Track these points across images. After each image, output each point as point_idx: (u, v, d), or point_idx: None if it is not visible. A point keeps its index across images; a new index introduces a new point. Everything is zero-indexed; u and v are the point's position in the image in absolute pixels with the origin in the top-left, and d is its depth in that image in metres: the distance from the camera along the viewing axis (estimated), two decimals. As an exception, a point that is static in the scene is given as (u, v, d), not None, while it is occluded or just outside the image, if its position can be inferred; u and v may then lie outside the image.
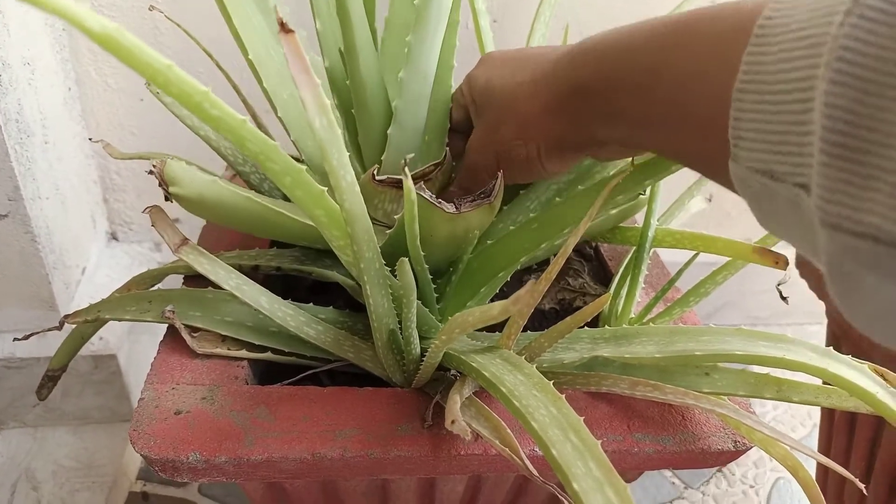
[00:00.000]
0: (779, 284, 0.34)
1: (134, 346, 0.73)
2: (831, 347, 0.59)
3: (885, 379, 0.32)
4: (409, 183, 0.30)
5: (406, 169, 0.29)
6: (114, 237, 0.79)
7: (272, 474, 0.37)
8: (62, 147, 0.67)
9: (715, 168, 0.25)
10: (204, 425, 0.37)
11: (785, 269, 0.34)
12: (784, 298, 0.35)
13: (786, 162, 0.21)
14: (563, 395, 0.30)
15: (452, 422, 0.29)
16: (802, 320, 1.02)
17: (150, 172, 0.39)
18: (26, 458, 0.70)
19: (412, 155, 0.43)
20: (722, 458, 0.39)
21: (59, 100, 0.66)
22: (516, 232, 0.38)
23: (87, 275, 0.72)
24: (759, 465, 0.77)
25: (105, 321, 0.46)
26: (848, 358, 0.32)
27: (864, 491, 0.33)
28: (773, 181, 0.21)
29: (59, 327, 0.48)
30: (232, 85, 0.50)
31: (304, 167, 0.28)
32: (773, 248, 0.35)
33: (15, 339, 0.49)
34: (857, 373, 0.31)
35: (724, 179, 0.24)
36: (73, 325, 0.49)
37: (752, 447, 0.38)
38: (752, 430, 0.36)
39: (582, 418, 0.28)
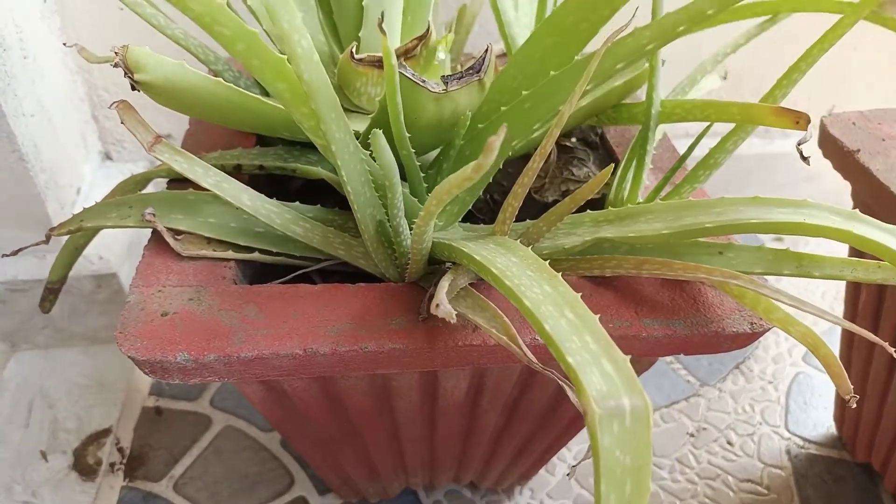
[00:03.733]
0: (800, 143, 0.31)
1: (135, 263, 0.72)
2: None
3: (913, 243, 0.29)
4: (387, 44, 0.27)
5: (386, 33, 0.26)
6: (108, 156, 0.77)
7: (264, 372, 0.35)
8: (43, 62, 0.64)
9: None
10: (192, 325, 0.35)
11: (805, 129, 0.31)
12: (805, 158, 0.32)
13: None
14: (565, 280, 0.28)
15: (437, 305, 0.27)
16: (825, 214, 0.98)
17: (115, 64, 0.36)
18: (40, 377, 0.70)
19: (391, 40, 0.40)
20: (737, 342, 0.37)
21: (36, 13, 0.63)
22: (507, 113, 0.35)
23: (83, 195, 0.70)
24: (779, 360, 0.75)
25: (92, 230, 0.44)
26: (876, 220, 0.29)
27: (892, 352, 0.30)
28: None
29: (46, 241, 0.46)
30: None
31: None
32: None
33: (3, 255, 0.48)
34: (888, 234, 0.28)
35: None
36: (65, 239, 0.47)
37: (770, 328, 0.36)
38: (770, 307, 0.34)
39: (580, 294, 0.26)
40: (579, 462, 0.31)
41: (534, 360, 0.30)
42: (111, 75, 0.72)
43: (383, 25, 0.38)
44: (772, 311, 0.34)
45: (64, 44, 0.63)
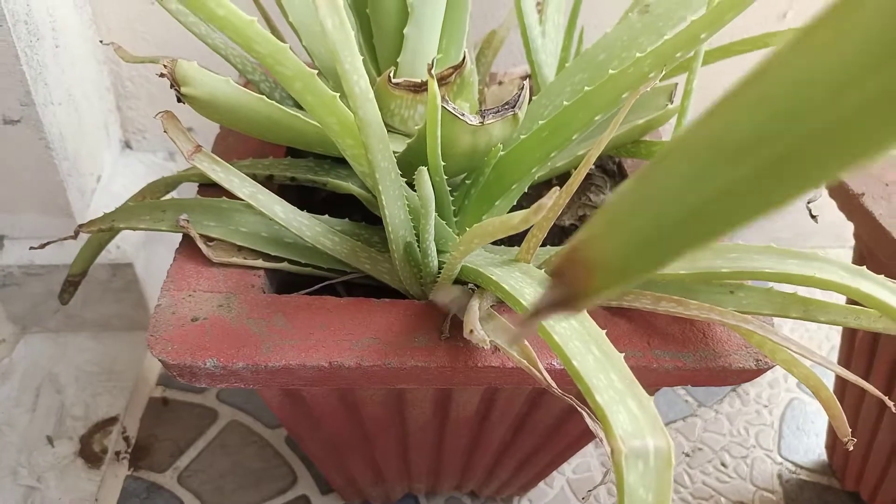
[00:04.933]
0: (809, 201, 0.33)
1: (151, 255, 0.73)
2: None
3: (917, 299, 0.31)
4: (434, 87, 0.28)
5: (433, 71, 0.27)
6: (128, 145, 0.78)
7: (290, 381, 0.37)
8: (73, 52, 0.65)
9: None
10: (221, 332, 0.37)
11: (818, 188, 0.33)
12: (814, 217, 0.34)
13: None
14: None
15: (471, 331, 0.29)
16: (825, 243, 1.00)
17: (162, 75, 0.38)
18: (49, 362, 0.71)
19: (438, 55, 0.41)
20: (742, 377, 0.39)
21: (70, 1, 0.64)
22: (526, 141, 0.36)
23: (103, 183, 0.72)
24: (774, 385, 0.77)
25: (120, 229, 0.46)
26: (881, 277, 0.31)
27: (887, 402, 0.32)
28: None
29: (75, 236, 0.48)
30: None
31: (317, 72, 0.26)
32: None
33: (31, 248, 0.49)
34: (890, 293, 0.30)
35: None
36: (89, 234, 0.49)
37: (773, 366, 0.38)
38: (776, 348, 0.35)
39: (604, 331, 0.27)
40: (595, 487, 0.33)
41: (554, 385, 0.31)
42: (137, 66, 0.73)
43: (421, 52, 0.40)
44: (777, 351, 0.35)
45: (101, 41, 0.64)
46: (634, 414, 0.23)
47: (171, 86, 0.37)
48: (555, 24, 0.56)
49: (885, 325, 0.34)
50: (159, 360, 0.36)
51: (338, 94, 0.28)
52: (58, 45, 0.62)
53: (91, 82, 0.69)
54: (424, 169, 0.30)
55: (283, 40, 0.51)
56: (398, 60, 0.41)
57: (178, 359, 0.36)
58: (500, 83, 0.63)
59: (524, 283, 0.32)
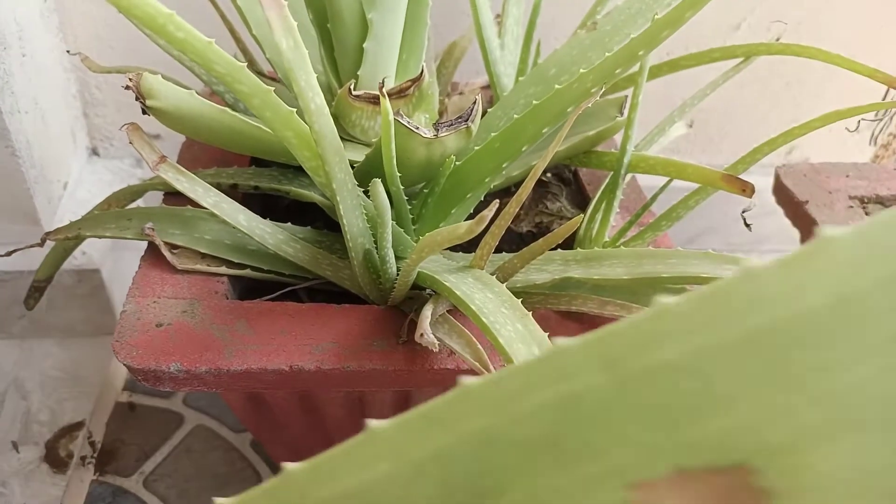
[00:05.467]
0: (744, 212, 0.35)
1: (117, 262, 0.73)
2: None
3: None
4: (386, 104, 0.30)
5: (384, 90, 0.29)
6: (95, 152, 0.79)
7: (251, 385, 0.38)
8: (40, 60, 0.65)
9: None
10: (185, 337, 0.38)
11: (751, 197, 0.35)
12: (748, 225, 0.36)
13: None
14: (535, 314, 0.31)
15: (421, 335, 0.30)
16: (782, 247, 1.03)
17: (127, 87, 0.39)
18: (14, 368, 0.71)
19: (389, 75, 0.43)
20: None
21: (36, 11, 0.65)
22: (480, 152, 0.38)
23: (69, 190, 0.72)
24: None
25: (86, 237, 0.46)
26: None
27: None
28: None
29: (41, 244, 0.48)
30: (212, 2, 0.49)
31: (273, 89, 0.28)
32: (740, 176, 0.36)
33: (-1, 255, 0.50)
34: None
35: None
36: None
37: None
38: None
39: (547, 334, 0.29)
40: None
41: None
42: (104, 74, 0.74)
43: (381, 65, 0.41)
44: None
45: (68, 51, 0.65)
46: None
47: (137, 98, 0.38)
48: (514, 36, 0.58)
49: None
50: (124, 364, 0.37)
51: (295, 110, 0.29)
52: (24, 53, 0.62)
53: (58, 90, 0.69)
54: (378, 181, 0.32)
55: (246, 51, 0.52)
56: (358, 73, 0.43)
57: (143, 363, 0.37)
58: (462, 93, 0.65)
59: (475, 288, 0.34)
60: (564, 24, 0.73)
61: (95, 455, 0.67)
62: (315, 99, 0.28)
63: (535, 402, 0.12)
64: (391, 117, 0.30)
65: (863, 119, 0.38)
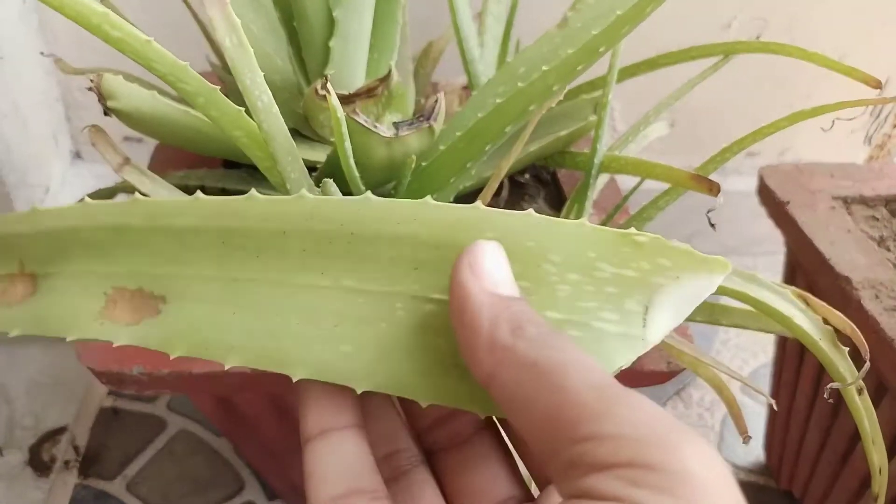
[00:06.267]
0: (709, 211, 0.35)
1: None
2: (789, 276, 0.60)
3: (806, 303, 0.32)
4: (334, 100, 0.29)
5: (329, 86, 0.29)
6: (78, 156, 0.79)
7: (216, 388, 0.38)
8: (20, 62, 0.65)
9: None
10: (147, 341, 0.38)
11: (717, 196, 0.35)
12: (712, 225, 0.35)
13: None
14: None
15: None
16: (774, 249, 1.02)
17: (90, 89, 0.39)
18: (-1, 373, 0.71)
19: (358, 74, 0.43)
20: (655, 378, 0.40)
21: (14, 11, 0.65)
22: (445, 152, 0.38)
23: (52, 194, 0.72)
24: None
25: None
26: (772, 283, 0.32)
27: (770, 401, 0.35)
28: None
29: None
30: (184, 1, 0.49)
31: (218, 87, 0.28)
32: (708, 177, 0.35)
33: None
34: (778, 297, 0.32)
35: None
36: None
37: (683, 368, 0.39)
38: (681, 352, 0.37)
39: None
40: None
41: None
42: (86, 76, 0.73)
43: (348, 65, 0.41)
44: (682, 354, 0.37)
45: (41, 53, 0.65)
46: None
47: (98, 100, 0.38)
48: (494, 35, 0.58)
49: (781, 329, 0.35)
50: (88, 368, 0.37)
51: (242, 109, 0.29)
52: (2, 56, 0.62)
53: (39, 93, 0.69)
54: (330, 180, 0.32)
55: (220, 52, 0.52)
56: (325, 73, 0.42)
57: (105, 367, 0.37)
58: (443, 93, 0.64)
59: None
60: (544, 22, 0.73)
61: (79, 459, 0.67)
62: (262, 97, 0.27)
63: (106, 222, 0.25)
64: (340, 114, 0.29)
65: (837, 119, 0.38)
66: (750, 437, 0.34)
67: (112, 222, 0.24)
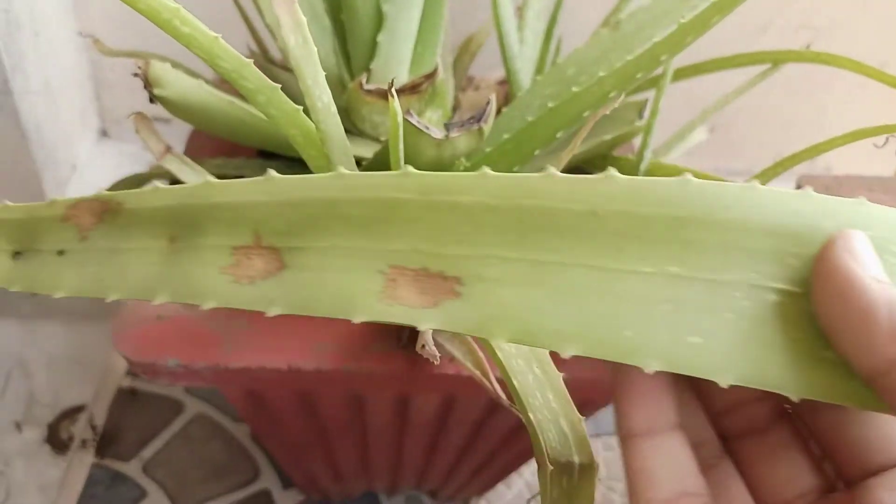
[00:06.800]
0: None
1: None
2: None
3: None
4: (395, 105, 0.29)
5: (394, 87, 0.28)
6: (105, 134, 0.78)
7: (249, 382, 0.37)
8: (53, 40, 0.65)
9: None
10: (184, 332, 0.37)
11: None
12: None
13: None
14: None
15: (423, 346, 0.29)
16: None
17: (136, 75, 0.38)
18: (19, 348, 0.71)
19: (403, 69, 0.42)
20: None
21: (49, -11, 0.64)
22: (490, 154, 0.37)
23: (78, 172, 0.72)
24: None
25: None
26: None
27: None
28: None
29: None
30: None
31: (280, 86, 0.27)
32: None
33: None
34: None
35: None
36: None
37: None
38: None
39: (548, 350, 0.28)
40: (534, 496, 0.34)
41: (503, 396, 0.32)
42: (133, 63, 0.73)
43: (394, 59, 0.40)
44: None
45: (80, 33, 0.64)
46: (564, 432, 0.24)
47: (144, 86, 0.38)
48: (534, 30, 0.57)
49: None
50: (123, 357, 0.37)
51: (301, 108, 0.28)
52: (37, 33, 0.62)
53: (70, 71, 0.69)
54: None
55: (260, 40, 0.51)
56: (371, 67, 0.42)
57: (141, 357, 0.36)
58: (477, 88, 0.64)
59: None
60: (587, 20, 0.72)
61: (96, 438, 0.67)
62: (322, 97, 0.27)
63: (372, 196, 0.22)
64: (400, 118, 0.29)
65: (892, 136, 0.37)
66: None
67: (380, 196, 0.22)
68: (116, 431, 0.67)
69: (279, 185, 0.23)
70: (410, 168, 0.21)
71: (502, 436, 0.49)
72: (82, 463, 0.65)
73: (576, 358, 0.33)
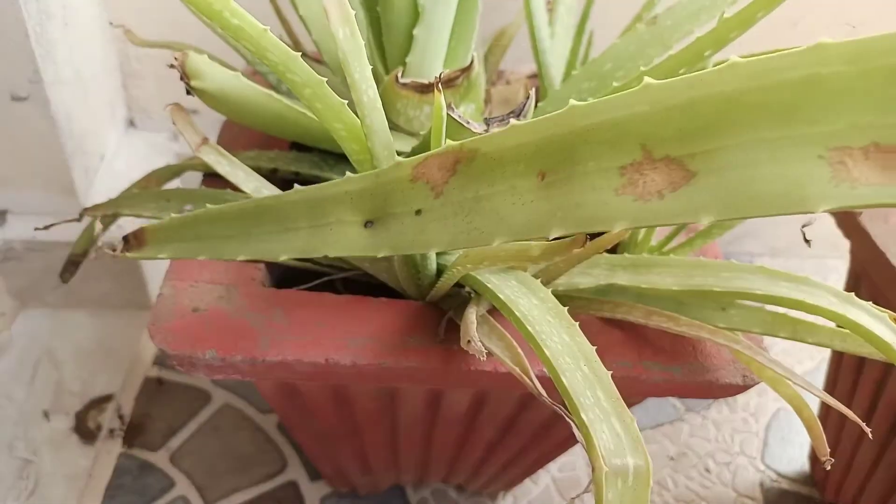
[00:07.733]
0: (804, 226, 0.34)
1: (152, 236, 0.73)
2: (852, 286, 0.59)
3: (904, 328, 0.31)
4: (440, 99, 0.28)
5: (440, 84, 0.28)
6: (132, 124, 0.79)
7: (286, 376, 0.37)
8: (82, 30, 0.65)
9: None
10: (221, 324, 0.37)
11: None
12: (807, 241, 0.34)
13: None
14: (577, 319, 0.30)
15: (468, 342, 0.29)
16: (823, 253, 1.00)
17: (172, 66, 0.38)
18: (48, 337, 0.72)
19: (438, 63, 0.42)
20: (729, 391, 0.39)
21: (79, -21, 0.64)
22: None
23: (106, 162, 0.72)
24: (762, 394, 0.78)
25: (123, 216, 0.46)
26: (869, 305, 0.31)
27: (865, 429, 0.33)
28: None
29: (79, 219, 0.48)
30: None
31: (325, 79, 0.27)
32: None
33: (36, 229, 0.49)
34: (877, 321, 0.31)
35: None
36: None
37: (759, 382, 0.38)
38: (762, 367, 0.36)
39: (595, 347, 0.28)
40: (579, 495, 0.33)
41: (544, 394, 0.32)
42: (171, 55, 0.73)
43: (430, 53, 0.40)
44: (763, 370, 0.36)
45: (111, 23, 0.64)
46: (618, 434, 0.24)
47: (181, 78, 0.38)
48: (565, 25, 0.56)
49: (869, 351, 0.34)
50: (160, 349, 0.37)
51: (346, 102, 0.28)
52: (67, 22, 0.62)
53: (99, 61, 0.69)
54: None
55: (291, 31, 0.51)
56: (407, 60, 0.41)
57: (179, 349, 0.36)
58: (508, 82, 0.63)
59: (519, 293, 0.32)
60: (617, 15, 0.71)
61: (124, 428, 0.67)
62: (368, 91, 0.27)
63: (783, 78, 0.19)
64: (444, 112, 0.29)
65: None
66: (832, 461, 0.33)
67: (799, 76, 0.19)
68: (144, 421, 0.68)
69: (659, 92, 0.21)
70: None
71: (533, 432, 0.49)
72: (110, 452, 0.65)
73: (610, 355, 0.33)
